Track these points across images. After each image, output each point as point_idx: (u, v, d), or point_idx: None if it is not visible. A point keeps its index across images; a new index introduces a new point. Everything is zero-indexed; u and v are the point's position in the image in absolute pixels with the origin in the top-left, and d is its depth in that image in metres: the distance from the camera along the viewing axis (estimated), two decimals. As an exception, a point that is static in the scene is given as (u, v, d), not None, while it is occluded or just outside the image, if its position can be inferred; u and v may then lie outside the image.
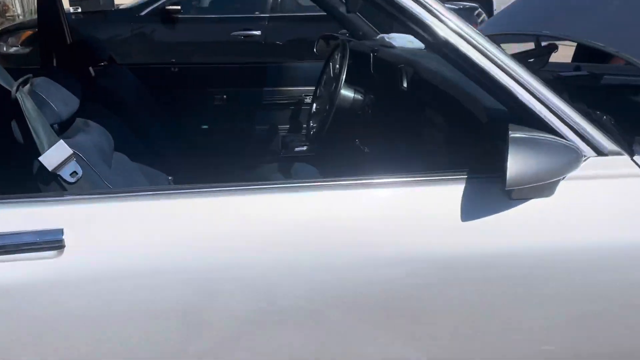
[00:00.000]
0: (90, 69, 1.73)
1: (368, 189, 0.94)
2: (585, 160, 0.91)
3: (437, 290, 0.94)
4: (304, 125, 2.12)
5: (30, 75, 1.08)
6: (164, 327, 0.90)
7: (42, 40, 1.86)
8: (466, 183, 0.91)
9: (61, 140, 0.99)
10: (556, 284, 0.95)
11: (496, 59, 0.87)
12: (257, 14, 3.88)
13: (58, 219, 0.85)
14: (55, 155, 0.97)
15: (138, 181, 1.23)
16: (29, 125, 0.98)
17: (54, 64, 1.76)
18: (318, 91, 1.94)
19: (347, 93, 1.64)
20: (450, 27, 0.86)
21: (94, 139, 1.15)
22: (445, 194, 0.92)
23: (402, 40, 1.81)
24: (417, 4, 0.85)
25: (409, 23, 0.88)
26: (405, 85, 1.48)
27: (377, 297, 0.93)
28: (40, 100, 1.03)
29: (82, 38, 1.91)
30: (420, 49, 1.74)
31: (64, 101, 1.10)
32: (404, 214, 0.93)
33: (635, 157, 0.94)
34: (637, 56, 1.17)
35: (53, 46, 1.79)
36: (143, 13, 4.03)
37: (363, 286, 0.91)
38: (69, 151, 0.98)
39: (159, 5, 3.99)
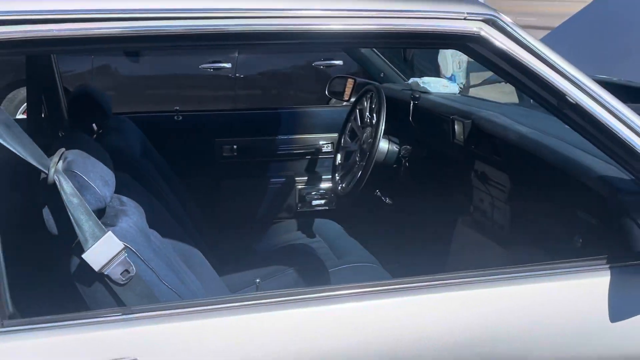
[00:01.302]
0: (94, 125, 1.41)
1: (479, 288, 0.74)
2: None
3: None
4: (324, 177, 1.90)
5: (64, 149, 0.82)
6: None
7: (29, 87, 1.50)
8: (611, 274, 0.74)
9: (110, 232, 0.73)
10: None
11: (630, 122, 0.73)
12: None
13: (127, 346, 0.61)
14: (102, 251, 0.72)
15: (179, 269, 0.96)
16: (70, 215, 0.72)
17: (45, 122, 1.41)
18: (343, 140, 1.73)
19: (384, 145, 1.47)
20: (588, 93, 0.73)
21: (135, 221, 0.89)
22: (583, 288, 0.75)
23: (437, 85, 1.65)
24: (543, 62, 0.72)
25: (537, 88, 0.75)
26: (458, 137, 1.29)
27: None
28: (80, 183, 0.77)
29: (82, 86, 1.61)
30: (460, 96, 1.59)
31: (104, 179, 0.83)
32: (530, 316, 0.74)
33: None
34: None
35: (46, 96, 1.43)
36: None
37: None
38: (119, 245, 0.73)
39: None
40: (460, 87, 1.69)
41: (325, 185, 1.89)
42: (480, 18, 0.71)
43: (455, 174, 1.44)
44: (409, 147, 1.53)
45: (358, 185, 1.44)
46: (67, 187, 0.74)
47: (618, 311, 0.73)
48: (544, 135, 1.06)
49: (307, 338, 0.70)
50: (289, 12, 0.67)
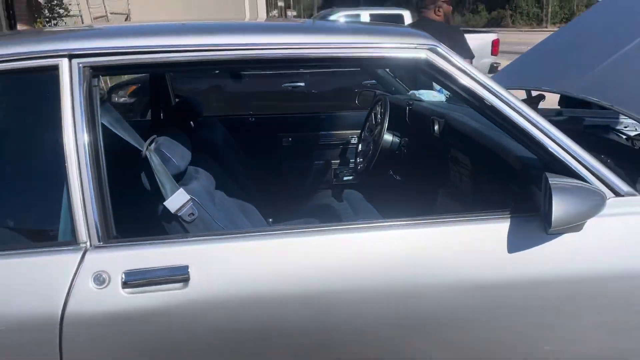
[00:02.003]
0: (191, 122, 1.85)
1: (426, 227, 1.03)
2: (607, 200, 0.99)
3: (486, 311, 1.03)
4: (351, 161, 2.43)
5: (155, 136, 1.17)
6: (271, 342, 1.00)
7: (152, 96, 2.11)
8: (510, 221, 1.01)
9: (181, 189, 1.06)
10: (586, 303, 1.06)
11: (532, 119, 1.00)
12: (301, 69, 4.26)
13: (184, 256, 0.92)
14: (176, 200, 1.06)
15: (236, 217, 1.32)
16: (156, 177, 1.06)
17: (161, 119, 1.92)
18: (362, 135, 2.24)
19: (388, 137, 1.94)
20: (499, 97, 1.01)
21: (203, 184, 1.26)
22: (491, 231, 1.02)
23: (428, 95, 2.11)
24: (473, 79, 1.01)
25: (465, 94, 1.03)
26: (436, 132, 1.73)
27: (438, 317, 1.03)
28: (164, 157, 1.12)
29: (184, 96, 2.18)
30: (444, 103, 2.02)
31: (181, 155, 1.21)
32: (458, 248, 1.02)
33: None
34: (613, 102, 1.34)
35: (160, 102, 1.98)
36: (217, 71, 4.32)
37: (428, 308, 1.02)
38: (187, 197, 1.05)
39: None
40: (447, 97, 2.04)
41: (351, 166, 2.44)
42: (426, 47, 1.01)
43: (436, 158, 1.83)
44: (406, 139, 2.00)
45: (369, 166, 1.95)
46: (155, 159, 1.08)
47: (515, 245, 0.99)
48: (488, 129, 1.36)
49: (313, 256, 1.00)
50: (297, 44, 1.05)
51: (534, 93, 1.92)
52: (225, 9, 11.83)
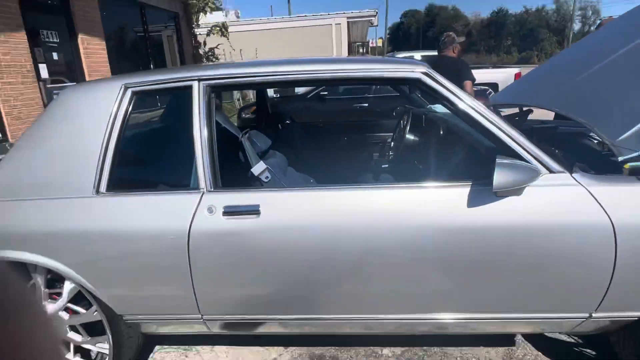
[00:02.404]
0: (279, 125, 2.54)
1: (426, 189, 1.44)
2: (541, 175, 1.36)
3: (453, 246, 1.41)
4: (387, 154, 3.03)
5: (248, 129, 1.75)
6: (304, 262, 1.44)
7: (257, 110, 2.85)
8: (473, 187, 1.40)
9: (261, 162, 1.60)
10: (520, 245, 1.40)
11: (492, 120, 1.42)
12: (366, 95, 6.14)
13: (258, 199, 1.42)
14: (258, 168, 1.61)
15: (298, 182, 1.84)
16: (247, 154, 1.61)
17: (263, 123, 2.68)
18: (394, 136, 2.95)
19: (409, 137, 2.60)
20: (470, 106, 1.44)
21: (277, 161, 1.82)
22: (462, 193, 1.40)
23: (439, 109, 2.65)
24: (454, 95, 1.46)
25: (448, 105, 1.47)
26: (441, 132, 2.31)
27: (427, 249, 1.43)
28: (252, 142, 1.68)
29: (276, 109, 3.09)
30: (448, 113, 2.58)
31: (263, 142, 1.79)
32: (441, 203, 1.41)
33: (573, 174, 1.41)
34: (579, 115, 1.71)
35: (262, 114, 2.70)
36: (308, 96, 6.60)
37: (423, 242, 1.42)
38: (264, 166, 1.58)
39: (316, 92, 6.52)
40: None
41: (386, 157, 3.02)
42: (420, 71, 1.45)
43: (442, 150, 2.24)
44: (424, 138, 2.59)
45: (396, 156, 2.65)
46: (246, 143, 1.64)
47: (476, 202, 1.36)
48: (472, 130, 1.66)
49: (338, 203, 1.45)
50: (336, 70, 1.55)
51: (525, 108, 2.39)
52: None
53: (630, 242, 1.34)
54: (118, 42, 7.30)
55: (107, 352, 1.65)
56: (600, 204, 1.35)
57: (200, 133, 1.49)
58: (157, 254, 1.46)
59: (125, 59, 7.40)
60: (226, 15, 20.10)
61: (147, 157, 1.81)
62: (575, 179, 1.40)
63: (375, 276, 1.45)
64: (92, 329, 1.69)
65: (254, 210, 1.41)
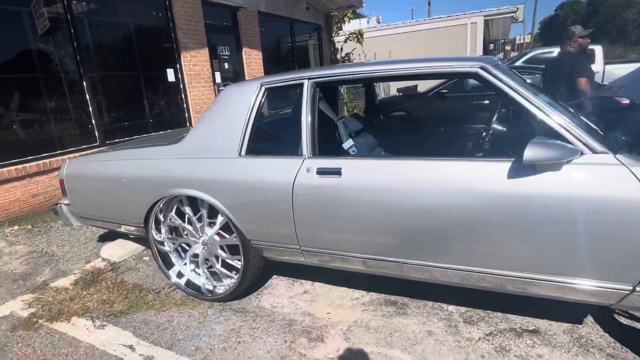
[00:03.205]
0: (381, 116, 2.91)
1: (480, 162, 1.69)
2: (584, 155, 1.50)
3: (499, 209, 1.60)
4: (480, 142, 2.95)
5: (345, 115, 2.19)
6: (373, 213, 1.81)
7: (366, 103, 3.31)
8: (514, 162, 1.60)
9: (350, 139, 2.03)
10: (558, 214, 1.53)
11: (542, 108, 1.61)
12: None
13: (340, 164, 1.87)
14: (347, 144, 2.03)
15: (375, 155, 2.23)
16: (340, 132, 2.06)
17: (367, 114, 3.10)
18: (486, 127, 2.88)
19: (496, 126, 2.70)
20: (519, 95, 1.66)
21: (366, 141, 2.23)
22: (511, 166, 1.60)
23: None
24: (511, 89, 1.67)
25: (500, 95, 1.70)
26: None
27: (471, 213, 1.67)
28: (345, 125, 2.11)
29: (385, 104, 3.51)
30: None
31: (356, 125, 2.20)
32: (491, 174, 1.64)
33: (617, 155, 1.49)
34: None
35: (370, 106, 3.12)
36: (429, 94, 6.97)
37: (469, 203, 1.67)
38: (352, 142, 2.01)
39: (436, 90, 6.91)
40: None
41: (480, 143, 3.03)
42: (478, 66, 1.69)
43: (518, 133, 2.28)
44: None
45: (485, 142, 2.66)
46: (340, 125, 2.10)
47: (517, 175, 1.58)
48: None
49: (402, 172, 1.76)
50: (410, 67, 1.86)
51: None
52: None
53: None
54: (271, 51, 8.51)
55: (239, 265, 2.31)
56: None
57: (305, 117, 2.00)
58: (273, 198, 2.02)
59: (277, 65, 8.59)
60: (368, 22, 20.85)
61: (270, 133, 2.41)
62: (618, 159, 1.46)
63: (429, 229, 1.74)
64: (232, 249, 2.37)
65: (336, 171, 1.86)
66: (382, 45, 15.53)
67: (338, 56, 11.98)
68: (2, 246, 3.40)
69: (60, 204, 2.87)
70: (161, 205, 2.42)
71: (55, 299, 2.51)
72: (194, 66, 5.91)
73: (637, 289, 1.50)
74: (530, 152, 1.43)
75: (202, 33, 6.02)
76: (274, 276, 2.73)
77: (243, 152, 2.12)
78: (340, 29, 11.91)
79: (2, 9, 3.86)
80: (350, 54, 12.52)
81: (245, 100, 2.15)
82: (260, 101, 2.14)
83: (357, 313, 2.25)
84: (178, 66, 5.74)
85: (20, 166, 3.92)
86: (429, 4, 33.67)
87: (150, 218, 2.48)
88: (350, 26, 18.59)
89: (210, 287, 2.45)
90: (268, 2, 7.80)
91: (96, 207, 2.69)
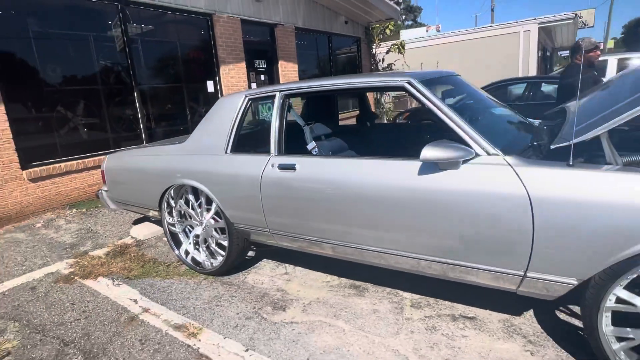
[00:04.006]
0: (368, 123, 3.22)
1: (396, 160, 2.01)
2: (479, 156, 1.76)
3: (409, 200, 1.90)
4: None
5: (313, 122, 2.56)
6: (317, 201, 2.15)
7: (360, 111, 3.61)
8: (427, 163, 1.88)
9: (313, 142, 2.41)
10: (456, 205, 1.78)
11: (452, 119, 1.86)
12: None
13: (296, 161, 2.24)
14: (310, 145, 2.43)
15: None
16: (306, 136, 2.45)
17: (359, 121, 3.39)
18: None
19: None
20: (435, 108, 1.92)
21: (331, 143, 2.61)
22: (420, 165, 1.89)
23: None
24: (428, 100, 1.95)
25: (422, 105, 1.95)
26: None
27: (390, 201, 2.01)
28: (311, 129, 2.49)
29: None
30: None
31: (323, 130, 2.58)
32: (405, 171, 1.94)
33: (505, 156, 1.74)
34: None
35: (362, 114, 3.42)
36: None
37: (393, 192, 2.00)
38: (314, 144, 2.39)
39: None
40: None
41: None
42: (406, 81, 2.00)
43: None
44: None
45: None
46: (307, 130, 2.49)
47: (425, 172, 1.93)
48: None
49: (339, 169, 2.12)
50: (345, 83, 2.25)
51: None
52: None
53: (542, 210, 1.57)
54: (309, 63, 9.06)
55: (226, 244, 2.77)
56: (521, 179, 1.63)
57: (274, 122, 2.42)
58: (248, 187, 2.45)
59: (314, 76, 9.11)
60: (427, 31, 20.82)
61: (251, 134, 2.85)
62: (506, 160, 1.69)
63: (367, 216, 2.05)
64: (223, 232, 2.84)
65: (292, 167, 2.24)
66: (429, 55, 15.52)
67: (380, 66, 12.27)
68: (61, 223, 4.21)
69: (101, 190, 3.54)
70: (172, 193, 2.96)
71: (89, 263, 3.16)
72: (232, 78, 6.59)
73: (528, 274, 1.71)
74: (426, 152, 1.72)
75: (240, 49, 6.69)
76: (264, 259, 3.15)
77: (229, 150, 2.59)
78: (383, 40, 12.20)
79: (75, 34, 4.75)
80: (393, 65, 12.75)
81: (233, 108, 2.62)
82: (245, 109, 2.59)
83: (323, 292, 2.60)
84: (217, 78, 6.45)
85: (80, 161, 4.76)
86: (492, 10, 32.72)
87: (162, 203, 3.03)
88: (408, 34, 18.88)
89: (208, 263, 2.93)
90: (306, 18, 8.36)
91: (125, 193, 3.31)
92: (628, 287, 1.54)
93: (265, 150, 2.47)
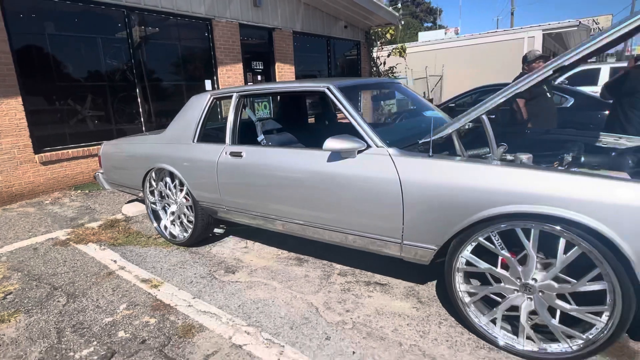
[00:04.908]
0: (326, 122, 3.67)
1: (309, 150, 2.46)
2: (369, 147, 2.20)
3: (320, 181, 2.40)
4: None
5: (269, 117, 3.06)
6: (257, 182, 2.65)
7: (322, 112, 4.01)
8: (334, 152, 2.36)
9: (262, 135, 2.92)
10: (350, 186, 2.25)
11: (356, 120, 2.33)
12: None
13: (243, 150, 2.75)
14: (260, 137, 2.94)
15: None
16: (257, 130, 2.95)
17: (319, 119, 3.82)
18: None
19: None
20: (344, 110, 2.38)
21: (280, 137, 3.11)
22: (329, 154, 2.36)
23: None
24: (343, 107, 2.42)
25: (334, 107, 2.48)
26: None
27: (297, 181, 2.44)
28: (263, 124, 3.00)
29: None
30: None
31: (273, 125, 3.07)
32: (316, 158, 2.45)
33: (388, 148, 2.18)
34: None
35: (322, 114, 3.85)
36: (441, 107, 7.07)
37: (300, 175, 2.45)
38: (262, 137, 2.89)
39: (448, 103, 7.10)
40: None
41: None
42: (325, 86, 2.49)
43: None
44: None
45: None
46: (258, 125, 3.00)
47: (332, 159, 2.39)
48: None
49: (273, 156, 2.62)
50: (275, 88, 2.76)
51: None
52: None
53: (409, 191, 2.03)
54: (306, 65, 9.56)
55: (193, 219, 3.29)
56: (395, 166, 2.09)
57: (230, 117, 2.93)
58: (208, 170, 2.97)
59: (312, 77, 9.61)
60: (445, 33, 21.06)
61: (212, 128, 3.36)
62: (388, 151, 2.16)
63: (295, 196, 2.54)
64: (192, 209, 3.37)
65: (239, 154, 2.75)
66: (435, 58, 15.85)
67: (381, 69, 12.69)
68: (66, 201, 4.83)
69: (98, 172, 4.13)
70: (153, 175, 3.50)
71: (84, 232, 3.75)
72: (229, 78, 7.15)
73: (404, 242, 2.17)
74: (327, 143, 2.19)
75: (237, 51, 7.25)
76: (230, 236, 3.68)
77: (195, 140, 3.11)
78: (385, 43, 12.60)
79: (85, 36, 5.37)
80: (394, 68, 13.16)
81: (200, 105, 3.14)
82: (210, 106, 3.12)
83: (270, 262, 3.10)
84: (215, 78, 7.02)
85: (86, 148, 5.38)
86: (512, 14, 32.66)
87: (145, 183, 3.58)
88: (427, 36, 19.19)
89: (181, 235, 3.47)
90: (304, 22, 8.87)
91: (117, 175, 3.88)
92: (474, 252, 1.99)
93: (223, 140, 2.98)
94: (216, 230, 3.73)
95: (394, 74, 13.87)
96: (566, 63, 1.71)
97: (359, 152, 2.24)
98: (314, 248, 3.27)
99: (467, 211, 1.89)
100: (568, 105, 5.95)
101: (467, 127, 2.62)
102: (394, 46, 12.76)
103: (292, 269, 2.96)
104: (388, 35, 12.09)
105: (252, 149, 2.74)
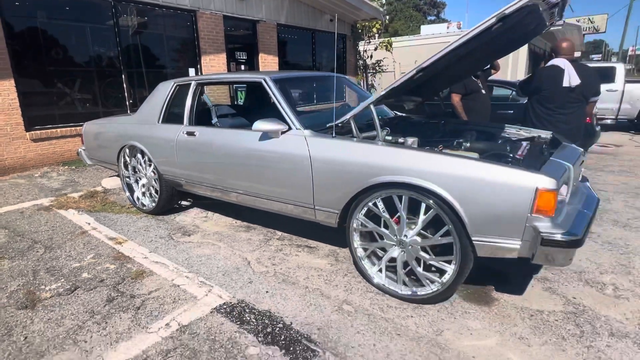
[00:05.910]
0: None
1: (248, 131, 2.94)
2: (291, 130, 2.68)
3: (254, 158, 2.90)
4: None
5: (228, 104, 3.53)
6: (205, 158, 3.15)
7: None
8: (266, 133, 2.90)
9: (215, 117, 3.38)
10: (275, 161, 2.78)
11: (282, 105, 2.83)
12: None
13: (196, 130, 3.24)
14: (215, 119, 3.39)
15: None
16: (212, 113, 3.43)
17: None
18: None
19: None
20: (274, 97, 2.91)
21: (233, 120, 3.53)
22: (261, 134, 2.91)
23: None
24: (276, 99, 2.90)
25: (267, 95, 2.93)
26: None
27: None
28: (217, 109, 3.47)
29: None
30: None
31: (228, 110, 3.51)
32: (253, 138, 2.89)
33: (304, 130, 2.66)
34: None
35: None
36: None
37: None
38: (216, 120, 3.36)
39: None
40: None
41: None
42: (262, 78, 2.96)
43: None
44: None
45: None
46: (213, 109, 3.47)
47: (263, 139, 2.86)
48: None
49: (223, 136, 3.11)
50: (237, 77, 3.22)
51: None
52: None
53: (316, 165, 2.52)
54: (291, 56, 9.97)
55: (158, 191, 3.78)
56: (307, 145, 2.57)
57: (187, 102, 3.40)
58: (169, 147, 3.46)
59: (296, 68, 10.02)
60: (448, 27, 21.29)
61: (174, 111, 3.82)
62: (304, 133, 2.63)
63: (237, 170, 3.02)
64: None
65: (193, 133, 3.23)
66: (423, 53, 16.20)
67: (368, 62, 13.08)
68: (54, 175, 5.34)
69: (80, 149, 4.61)
70: (127, 151, 3.98)
71: (65, 201, 4.26)
72: (212, 67, 7.59)
73: (316, 207, 2.66)
74: (256, 125, 2.66)
75: (221, 41, 7.67)
76: (195, 207, 4.17)
77: (160, 121, 3.59)
78: (373, 37, 12.95)
79: (75, 24, 5.80)
80: (381, 61, 13.54)
81: (165, 91, 3.62)
82: (173, 91, 3.59)
83: (223, 228, 3.60)
84: (199, 66, 7.46)
85: (74, 128, 5.86)
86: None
87: (120, 158, 4.06)
88: (429, 29, 19.45)
89: (150, 205, 3.96)
90: (289, 15, 9.25)
91: (96, 151, 4.37)
92: (366, 215, 2.48)
93: (181, 122, 3.45)
94: (183, 202, 4.22)
95: (381, 67, 14.29)
96: (424, 65, 2.17)
97: (282, 133, 2.72)
98: (265, 218, 3.76)
99: (357, 181, 2.38)
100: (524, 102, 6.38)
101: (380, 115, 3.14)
102: (381, 40, 13.13)
103: (240, 234, 3.46)
104: (374, 30, 12.44)
105: (205, 129, 3.22)
